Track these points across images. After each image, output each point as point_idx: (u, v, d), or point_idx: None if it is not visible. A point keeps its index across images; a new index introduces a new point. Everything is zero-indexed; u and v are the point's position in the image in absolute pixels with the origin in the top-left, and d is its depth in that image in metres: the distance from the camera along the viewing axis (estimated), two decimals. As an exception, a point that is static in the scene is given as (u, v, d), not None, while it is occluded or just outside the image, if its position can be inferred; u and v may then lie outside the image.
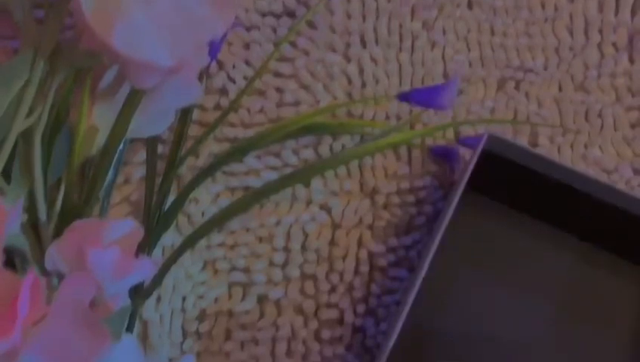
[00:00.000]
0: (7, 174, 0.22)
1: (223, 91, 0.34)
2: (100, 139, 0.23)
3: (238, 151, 0.29)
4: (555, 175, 0.31)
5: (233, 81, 0.34)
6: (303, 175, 0.28)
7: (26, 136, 0.22)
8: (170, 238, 0.31)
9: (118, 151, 0.25)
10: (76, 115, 0.22)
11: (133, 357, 0.23)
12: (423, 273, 0.28)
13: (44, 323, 0.19)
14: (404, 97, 0.27)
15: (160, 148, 0.31)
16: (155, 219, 0.28)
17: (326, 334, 0.31)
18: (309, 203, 0.33)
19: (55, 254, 0.21)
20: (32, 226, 0.22)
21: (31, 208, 0.22)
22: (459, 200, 0.33)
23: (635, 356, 0.31)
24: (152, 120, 0.23)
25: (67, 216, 0.23)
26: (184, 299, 0.31)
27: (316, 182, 0.33)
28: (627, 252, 0.32)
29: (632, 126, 0.35)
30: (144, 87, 0.19)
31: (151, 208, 0.28)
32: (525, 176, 0.32)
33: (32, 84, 0.21)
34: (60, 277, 0.23)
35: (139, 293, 0.27)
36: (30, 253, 0.22)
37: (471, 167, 0.30)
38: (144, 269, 0.22)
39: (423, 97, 0.26)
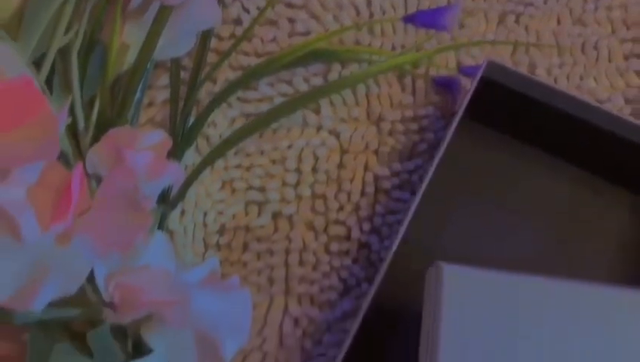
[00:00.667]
0: (49, 86, 0.24)
1: (238, 21, 0.36)
2: (131, 56, 0.25)
3: (249, 76, 0.31)
4: (553, 101, 0.33)
5: (247, 11, 0.36)
6: (311, 97, 0.30)
7: (64, 53, 0.25)
8: (192, 158, 0.34)
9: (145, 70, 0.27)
10: (109, 33, 0.24)
11: (165, 250, 0.26)
12: (421, 192, 0.31)
13: (92, 210, 0.21)
14: (408, 19, 0.29)
15: (181, 74, 0.33)
16: (179, 137, 0.30)
17: (334, 247, 0.34)
18: (319, 129, 0.35)
19: (94, 157, 0.24)
20: (72, 135, 0.25)
21: (71, 119, 0.24)
22: (459, 127, 0.36)
23: (630, 275, 0.33)
24: (177, 40, 0.26)
25: (102, 129, 0.25)
26: (205, 214, 0.34)
27: (326, 109, 0.35)
28: (623, 179, 0.34)
29: (626, 57, 0.37)
30: (172, 3, 0.21)
31: (175, 126, 0.30)
32: (524, 103, 0.33)
33: (70, 3, 0.23)
34: (99, 180, 0.25)
35: (166, 203, 0.30)
36: (72, 158, 0.24)
37: (470, 92, 0.33)
38: (174, 172, 0.24)
39: (426, 18, 0.28)
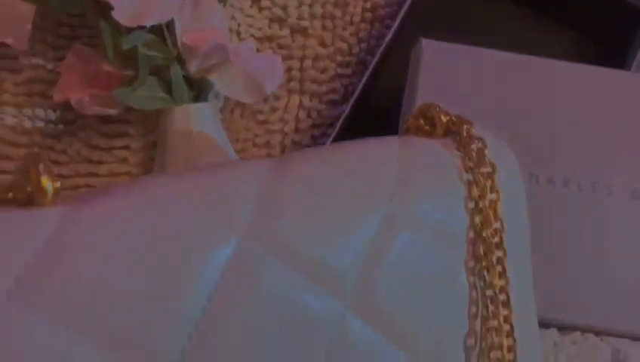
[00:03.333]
0: None
1: None
2: None
3: None
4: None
5: None
6: None
7: None
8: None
9: None
10: None
11: (222, 16, 0.35)
12: (400, 17, 0.39)
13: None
14: None
15: None
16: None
17: (339, 58, 0.43)
18: (329, -38, 0.44)
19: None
20: None
21: None
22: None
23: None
24: None
25: None
26: (239, 25, 0.42)
27: (335, -53, 0.44)
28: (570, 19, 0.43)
29: None
30: None
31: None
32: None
33: None
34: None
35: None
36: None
37: None
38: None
39: None
